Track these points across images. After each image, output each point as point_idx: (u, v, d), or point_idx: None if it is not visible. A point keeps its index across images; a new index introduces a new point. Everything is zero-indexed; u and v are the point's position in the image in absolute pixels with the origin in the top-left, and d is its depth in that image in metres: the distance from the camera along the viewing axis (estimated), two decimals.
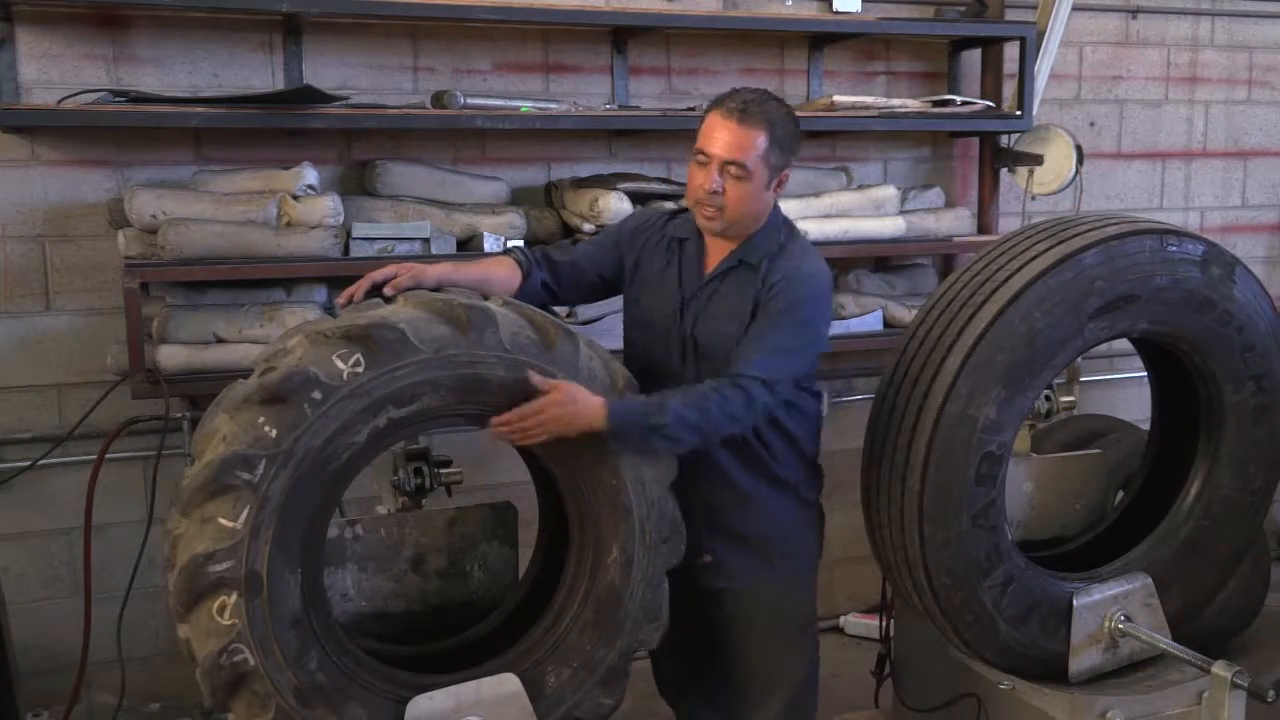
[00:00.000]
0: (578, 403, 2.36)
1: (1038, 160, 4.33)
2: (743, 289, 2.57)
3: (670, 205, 2.99)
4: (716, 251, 2.64)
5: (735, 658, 2.80)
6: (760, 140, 2.47)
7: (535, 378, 2.36)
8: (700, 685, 2.93)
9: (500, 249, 3.59)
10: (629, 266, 2.74)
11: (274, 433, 2.17)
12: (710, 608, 2.77)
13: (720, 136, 2.48)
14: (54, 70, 3.44)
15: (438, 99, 3.60)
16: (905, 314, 4.11)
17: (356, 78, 3.73)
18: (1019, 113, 4.24)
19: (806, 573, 2.80)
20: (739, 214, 2.53)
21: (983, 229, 4.47)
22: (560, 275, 2.74)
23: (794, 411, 2.66)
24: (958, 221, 4.31)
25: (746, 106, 2.48)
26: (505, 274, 2.68)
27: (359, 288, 2.49)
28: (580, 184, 3.80)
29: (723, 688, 2.88)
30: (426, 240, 3.53)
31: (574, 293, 2.79)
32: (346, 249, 3.46)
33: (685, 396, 2.44)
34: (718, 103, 2.52)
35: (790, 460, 2.69)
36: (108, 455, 3.40)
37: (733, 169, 2.48)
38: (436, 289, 2.51)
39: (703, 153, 2.51)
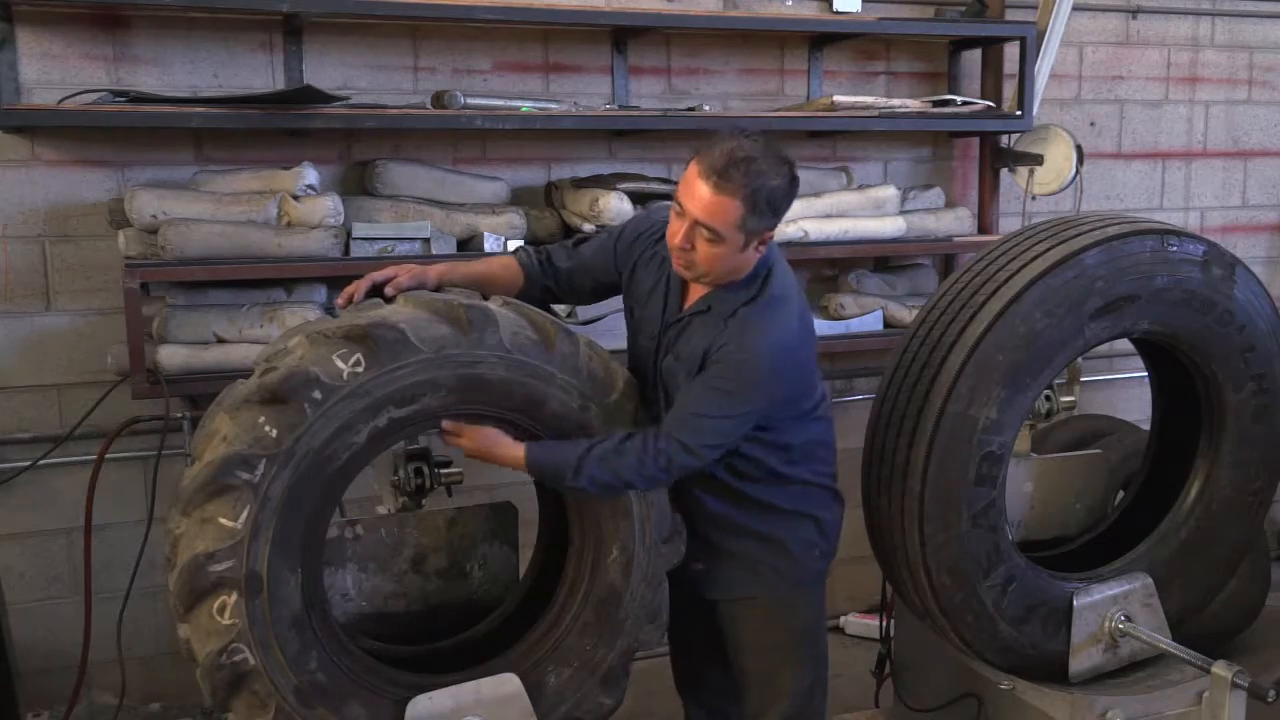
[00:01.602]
0: (497, 447, 2.44)
1: (1038, 160, 4.33)
2: (705, 336, 2.46)
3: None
4: (696, 287, 2.54)
5: (734, 666, 2.77)
6: (735, 209, 2.30)
7: (446, 424, 2.42)
8: (704, 689, 2.92)
9: (500, 249, 3.59)
10: (625, 274, 2.70)
11: (274, 433, 2.17)
12: (707, 615, 2.75)
13: (696, 194, 2.32)
14: (54, 70, 3.44)
15: (438, 99, 3.60)
16: (905, 314, 4.11)
17: (356, 78, 3.73)
18: (1019, 113, 4.24)
19: (805, 586, 2.70)
20: (710, 270, 2.41)
21: (983, 229, 4.47)
22: (560, 277, 2.73)
23: (774, 451, 2.57)
24: (958, 221, 4.31)
25: (727, 169, 2.29)
26: (507, 274, 2.67)
27: (359, 288, 2.49)
28: (580, 184, 3.79)
29: (724, 694, 2.87)
30: (426, 240, 3.52)
31: (573, 295, 2.78)
32: (347, 249, 3.45)
33: (605, 458, 2.39)
34: (703, 153, 2.34)
35: (774, 488, 2.60)
36: (108, 455, 3.40)
37: (704, 231, 2.33)
38: (437, 289, 2.51)
39: (679, 204, 2.37)
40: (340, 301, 2.51)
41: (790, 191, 2.41)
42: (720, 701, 2.89)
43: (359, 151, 3.75)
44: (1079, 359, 3.03)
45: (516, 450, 2.42)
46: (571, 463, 2.39)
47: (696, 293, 2.54)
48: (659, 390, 2.58)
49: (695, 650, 2.86)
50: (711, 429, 2.42)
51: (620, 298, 2.77)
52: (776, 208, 2.38)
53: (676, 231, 2.38)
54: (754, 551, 2.63)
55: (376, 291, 2.50)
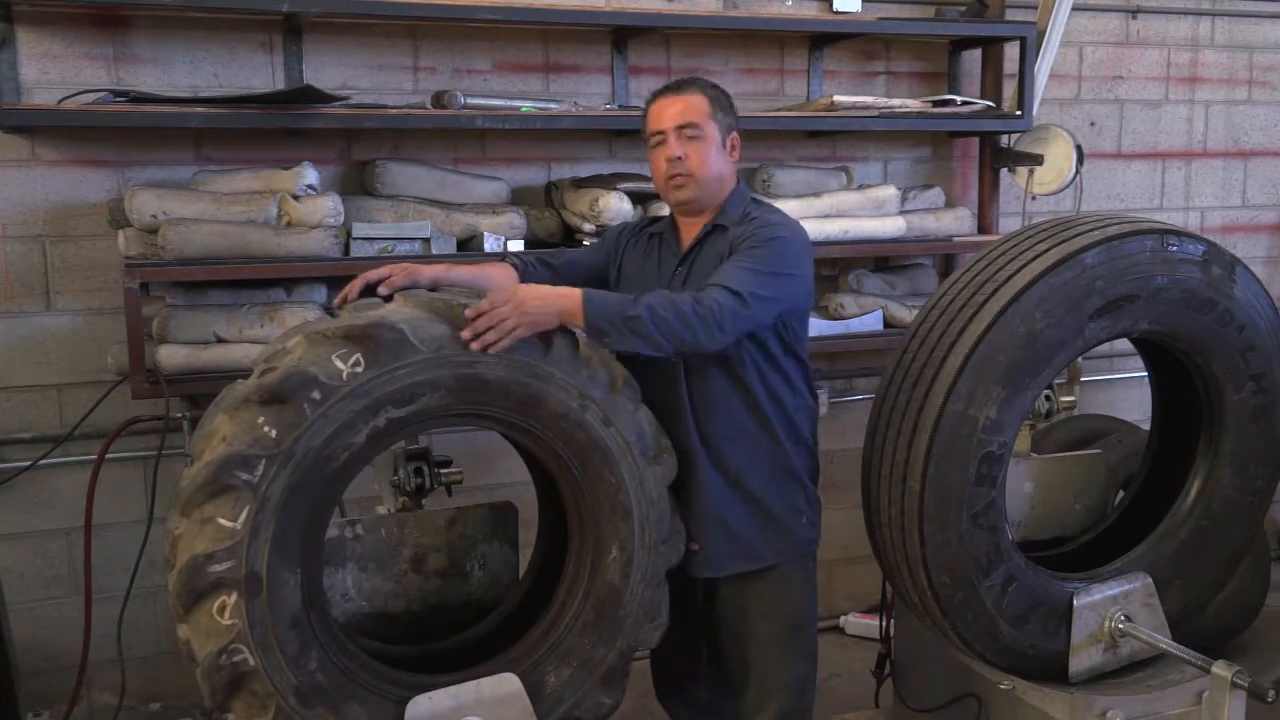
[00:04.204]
0: (549, 294, 2.38)
1: (1038, 160, 4.33)
2: (723, 244, 2.63)
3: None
4: (690, 230, 2.71)
5: (731, 658, 2.79)
6: (701, 101, 2.62)
7: (499, 290, 2.38)
8: (698, 689, 2.93)
9: (500, 249, 3.60)
10: (613, 272, 2.80)
11: (274, 433, 2.17)
12: (705, 601, 2.78)
13: (666, 111, 2.62)
14: (54, 70, 3.44)
15: (438, 99, 3.60)
16: (905, 314, 4.11)
17: (356, 78, 3.73)
18: (1019, 113, 4.24)
19: (798, 561, 2.76)
20: (706, 174, 2.62)
21: (983, 229, 4.47)
22: (559, 279, 2.75)
23: (796, 394, 2.69)
24: (958, 221, 4.31)
25: (677, 82, 2.68)
26: (502, 275, 2.69)
27: (353, 287, 2.51)
28: (580, 184, 3.79)
29: (719, 691, 2.88)
30: (427, 240, 3.53)
31: None
32: (347, 249, 3.46)
33: (659, 297, 2.43)
34: (651, 96, 2.70)
35: (789, 445, 2.69)
36: (108, 455, 3.40)
37: (688, 131, 2.60)
38: (432, 288, 2.52)
39: (656, 133, 2.64)
40: (336, 302, 2.53)
41: (730, 101, 2.73)
42: (715, 698, 2.90)
43: (359, 151, 3.75)
44: (1079, 359, 3.03)
45: (573, 290, 2.40)
46: (629, 297, 2.42)
47: (694, 231, 2.70)
48: None
49: (693, 648, 2.87)
50: (755, 281, 2.48)
51: None
52: (727, 107, 2.69)
53: (663, 157, 2.62)
54: (746, 522, 2.67)
55: (371, 291, 2.50)
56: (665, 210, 2.99)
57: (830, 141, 4.32)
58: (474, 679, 2.44)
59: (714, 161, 2.63)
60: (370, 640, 2.59)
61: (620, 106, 3.96)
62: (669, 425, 2.60)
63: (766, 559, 2.70)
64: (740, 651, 2.77)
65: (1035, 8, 4.36)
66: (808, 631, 2.80)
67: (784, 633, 2.74)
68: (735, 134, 2.70)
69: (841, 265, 4.27)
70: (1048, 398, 3.04)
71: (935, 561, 2.67)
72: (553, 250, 2.84)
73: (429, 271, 2.59)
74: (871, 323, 4.13)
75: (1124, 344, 3.04)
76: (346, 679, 2.32)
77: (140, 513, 3.55)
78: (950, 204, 4.46)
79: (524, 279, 2.70)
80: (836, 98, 3.98)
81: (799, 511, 2.74)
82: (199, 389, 3.31)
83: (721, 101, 2.67)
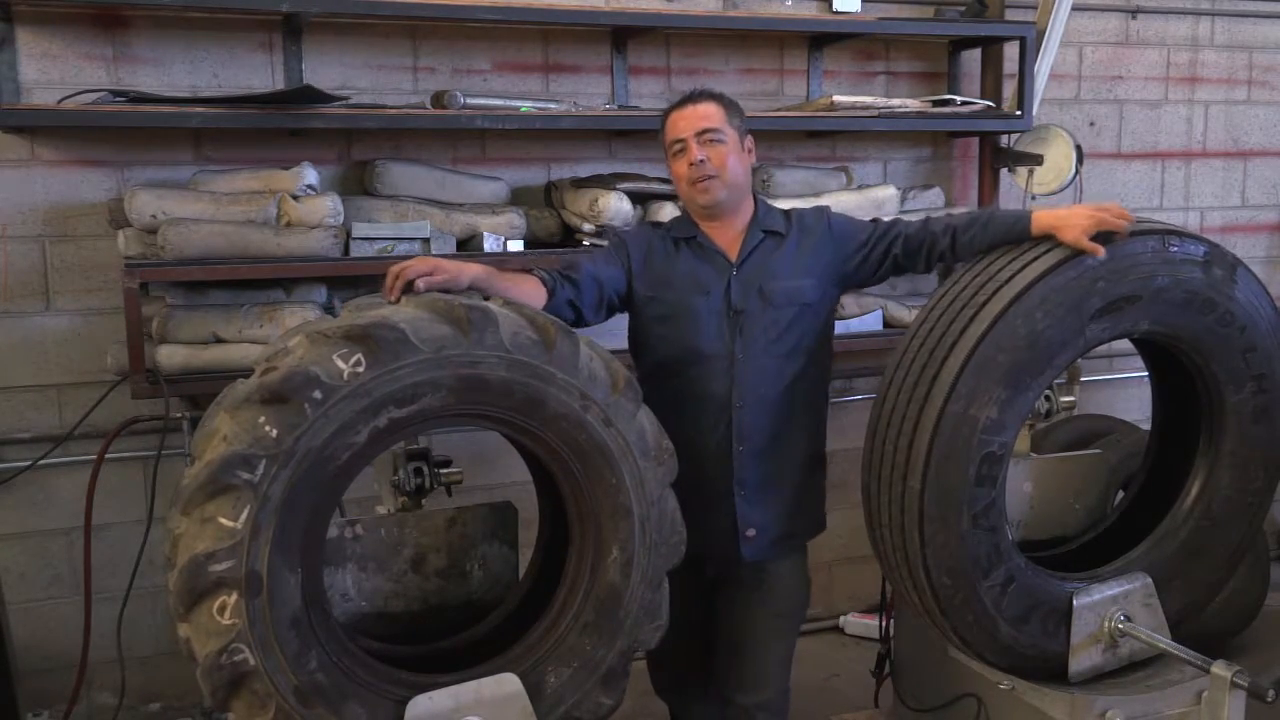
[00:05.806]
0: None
1: (1038, 160, 4.33)
2: (801, 249, 2.79)
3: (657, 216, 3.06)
4: (729, 235, 2.79)
5: (752, 638, 2.85)
6: (717, 108, 2.75)
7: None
8: (709, 675, 2.96)
9: (500, 248, 3.59)
10: (637, 272, 2.81)
11: (274, 432, 2.16)
12: (748, 582, 2.85)
13: (685, 120, 2.73)
14: (54, 70, 3.44)
15: (438, 99, 3.60)
16: (905, 314, 4.11)
17: (356, 78, 3.73)
18: (1019, 113, 4.25)
19: (806, 548, 2.96)
20: (732, 175, 2.73)
21: None
22: (584, 294, 2.73)
23: (827, 383, 2.93)
24: None
25: (691, 94, 2.79)
26: (532, 290, 2.65)
27: (394, 290, 2.44)
28: (580, 184, 3.79)
29: (729, 672, 2.92)
30: (426, 240, 3.53)
31: (594, 312, 2.78)
32: (346, 249, 3.45)
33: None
34: (667, 109, 2.82)
35: (820, 433, 2.92)
36: (108, 455, 3.40)
37: (708, 135, 2.71)
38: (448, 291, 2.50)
39: (677, 141, 2.74)
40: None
41: (739, 105, 2.86)
42: (724, 682, 2.95)
43: (359, 151, 3.75)
44: (1079, 359, 3.03)
45: None
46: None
47: (734, 236, 2.79)
48: (734, 332, 2.75)
49: (704, 637, 2.93)
50: None
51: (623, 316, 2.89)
52: (739, 112, 2.81)
53: (685, 164, 2.72)
54: (795, 506, 2.85)
55: (410, 288, 2.46)
56: (664, 214, 3.01)
57: (830, 141, 4.32)
58: (474, 679, 2.44)
59: (736, 163, 2.75)
60: (370, 640, 2.59)
61: (620, 106, 3.96)
62: (749, 417, 2.73)
63: (800, 539, 2.92)
64: (769, 624, 2.86)
65: (1035, 8, 4.36)
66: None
67: (800, 606, 2.94)
68: (750, 137, 2.81)
69: None
70: (1048, 398, 3.04)
71: (935, 562, 2.67)
72: (569, 261, 2.81)
73: (468, 276, 2.52)
74: (871, 323, 4.13)
75: (1124, 344, 3.04)
76: (346, 679, 2.31)
77: (140, 513, 3.55)
78: (950, 204, 4.46)
79: (551, 295, 2.67)
80: (836, 98, 3.99)
81: (822, 492, 2.96)
82: (199, 389, 3.31)
83: (734, 108, 2.78)
